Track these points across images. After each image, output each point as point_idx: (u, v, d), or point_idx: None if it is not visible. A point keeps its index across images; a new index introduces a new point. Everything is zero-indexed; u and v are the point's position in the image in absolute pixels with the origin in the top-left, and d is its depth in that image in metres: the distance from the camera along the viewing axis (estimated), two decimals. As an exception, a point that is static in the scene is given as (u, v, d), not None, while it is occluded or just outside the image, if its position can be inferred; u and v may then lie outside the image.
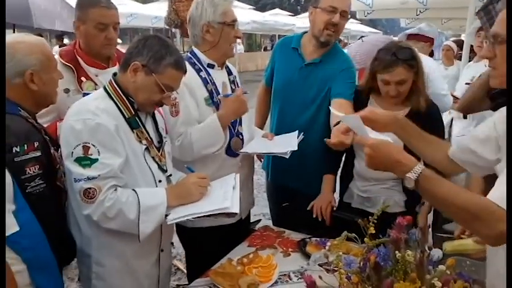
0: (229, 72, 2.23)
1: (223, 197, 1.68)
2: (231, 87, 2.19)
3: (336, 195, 2.36)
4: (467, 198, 1.09)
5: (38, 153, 1.55)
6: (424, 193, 1.17)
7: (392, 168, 1.22)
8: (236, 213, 1.63)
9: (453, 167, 1.44)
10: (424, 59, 3.39)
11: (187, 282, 2.34)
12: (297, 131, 2.16)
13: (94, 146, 1.52)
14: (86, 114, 1.55)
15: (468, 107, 2.40)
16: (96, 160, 1.52)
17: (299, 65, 2.32)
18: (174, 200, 1.64)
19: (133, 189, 1.60)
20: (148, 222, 1.58)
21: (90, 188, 1.51)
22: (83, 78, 2.13)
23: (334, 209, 2.23)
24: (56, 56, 2.16)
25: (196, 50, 2.12)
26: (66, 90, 2.10)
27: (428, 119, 2.04)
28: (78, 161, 1.52)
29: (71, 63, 2.14)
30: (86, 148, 1.51)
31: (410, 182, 1.14)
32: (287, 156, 2.01)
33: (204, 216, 1.63)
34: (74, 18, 2.17)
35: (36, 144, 1.55)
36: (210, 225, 2.01)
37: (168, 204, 1.62)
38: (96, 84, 2.12)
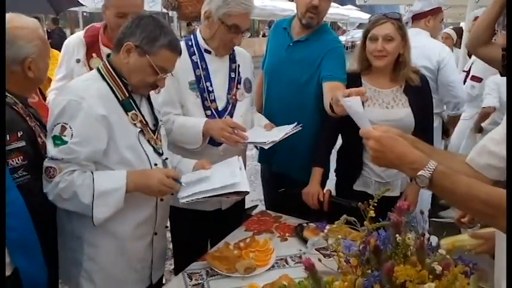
0: (233, 60, 2.18)
1: (230, 174, 1.68)
2: (231, 75, 2.15)
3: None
4: (493, 192, 1.01)
5: (22, 143, 1.52)
6: (440, 190, 1.08)
7: (400, 163, 1.13)
8: (247, 192, 1.64)
9: (477, 178, 1.30)
10: (436, 46, 3.32)
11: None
12: (295, 124, 2.08)
13: (71, 128, 1.50)
14: (74, 96, 1.53)
15: (474, 41, 2.30)
16: (65, 143, 1.50)
17: (286, 44, 2.32)
18: (132, 187, 1.59)
19: (92, 172, 1.56)
20: (103, 207, 1.54)
21: (51, 167, 1.51)
22: (94, 55, 2.28)
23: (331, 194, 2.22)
24: (83, 31, 2.42)
25: (198, 33, 2.12)
26: (78, 60, 2.31)
27: (424, 93, 2.19)
28: (54, 138, 1.51)
29: (87, 40, 2.32)
30: (63, 128, 1.51)
31: (424, 180, 1.05)
32: (266, 147, 1.96)
33: (215, 195, 1.63)
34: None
35: (19, 133, 1.52)
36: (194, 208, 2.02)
37: (127, 190, 1.57)
38: None
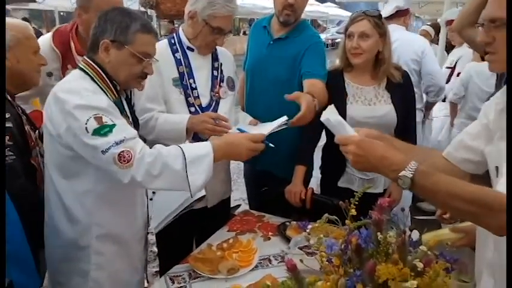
0: (215, 59, 2.17)
1: None
2: (213, 73, 2.14)
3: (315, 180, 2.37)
4: (475, 190, 1.02)
5: (10, 124, 1.53)
6: (422, 191, 1.08)
7: (381, 166, 1.13)
8: (204, 195, 1.67)
9: (454, 172, 1.34)
10: (417, 38, 3.42)
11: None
12: (283, 117, 2.02)
13: (105, 115, 1.44)
14: (84, 91, 1.46)
15: (461, 22, 2.34)
16: (114, 125, 1.43)
17: (267, 42, 2.32)
18: (221, 156, 1.57)
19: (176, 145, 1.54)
20: (197, 174, 1.48)
21: (123, 152, 1.42)
22: (69, 66, 2.07)
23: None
24: (48, 35, 2.16)
25: (181, 32, 2.12)
26: (49, 74, 2.07)
27: (406, 89, 2.21)
28: (97, 132, 1.41)
29: (60, 48, 2.08)
30: (98, 118, 1.42)
31: (406, 181, 1.05)
32: None
33: (180, 211, 1.68)
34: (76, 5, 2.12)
35: (8, 115, 1.53)
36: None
37: (214, 157, 1.53)
38: None
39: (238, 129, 1.92)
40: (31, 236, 1.54)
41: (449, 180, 1.07)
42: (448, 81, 3.97)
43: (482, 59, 2.47)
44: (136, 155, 1.43)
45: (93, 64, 1.54)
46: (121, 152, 1.41)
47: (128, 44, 1.52)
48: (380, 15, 2.14)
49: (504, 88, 1.24)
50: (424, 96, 3.65)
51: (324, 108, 1.55)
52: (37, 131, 1.74)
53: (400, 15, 3.45)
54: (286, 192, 2.23)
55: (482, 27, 1.17)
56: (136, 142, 1.46)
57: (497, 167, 1.18)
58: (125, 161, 1.42)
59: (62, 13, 14.68)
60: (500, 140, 1.19)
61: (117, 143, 1.41)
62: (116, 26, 1.52)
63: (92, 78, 1.53)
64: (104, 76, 1.54)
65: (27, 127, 1.66)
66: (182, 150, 1.50)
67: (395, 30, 3.25)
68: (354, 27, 2.09)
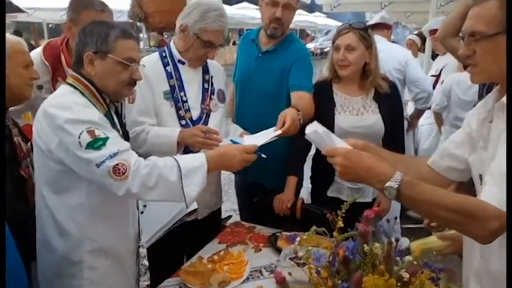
0: (206, 71, 2.19)
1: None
2: (204, 86, 2.16)
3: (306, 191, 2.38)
4: (459, 200, 1.05)
5: None
6: (408, 201, 1.10)
7: (368, 177, 1.16)
8: (195, 209, 1.67)
9: (439, 180, 1.38)
10: (400, 49, 3.51)
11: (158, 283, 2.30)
12: (270, 130, 2.04)
13: (97, 129, 1.44)
14: (75, 106, 1.46)
15: (444, 32, 2.40)
16: (107, 138, 1.44)
17: (255, 55, 2.35)
18: (214, 167, 1.60)
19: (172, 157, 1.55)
20: (192, 185, 1.50)
21: (117, 164, 1.42)
22: (59, 79, 2.09)
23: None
24: (39, 49, 2.19)
25: (172, 45, 2.13)
26: (40, 87, 2.08)
27: (394, 99, 2.24)
28: (90, 146, 1.41)
29: (51, 61, 2.11)
30: (91, 132, 1.42)
31: (392, 192, 1.07)
32: None
33: (172, 225, 1.69)
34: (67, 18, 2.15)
35: None
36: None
37: (208, 168, 1.55)
38: None
39: (231, 140, 1.93)
40: (21, 249, 1.54)
41: (433, 190, 1.09)
42: (433, 88, 4.03)
43: (465, 68, 2.52)
44: (131, 167, 1.44)
45: (81, 78, 1.54)
46: (116, 164, 1.42)
47: (111, 52, 1.52)
48: (366, 27, 2.19)
49: (486, 98, 1.28)
50: (410, 104, 3.71)
51: (312, 119, 1.59)
52: (29, 142, 1.74)
53: (384, 27, 3.55)
54: (275, 200, 2.23)
55: (462, 41, 1.21)
56: (130, 154, 1.48)
57: (480, 175, 1.21)
58: (120, 174, 1.42)
59: (50, 25, 14.65)
60: (483, 149, 1.22)
61: (111, 156, 1.42)
62: (96, 37, 1.52)
63: (81, 93, 1.53)
64: (93, 89, 1.54)
65: (17, 138, 1.66)
66: (177, 161, 1.51)
67: (379, 42, 3.33)
68: (340, 40, 2.12)
